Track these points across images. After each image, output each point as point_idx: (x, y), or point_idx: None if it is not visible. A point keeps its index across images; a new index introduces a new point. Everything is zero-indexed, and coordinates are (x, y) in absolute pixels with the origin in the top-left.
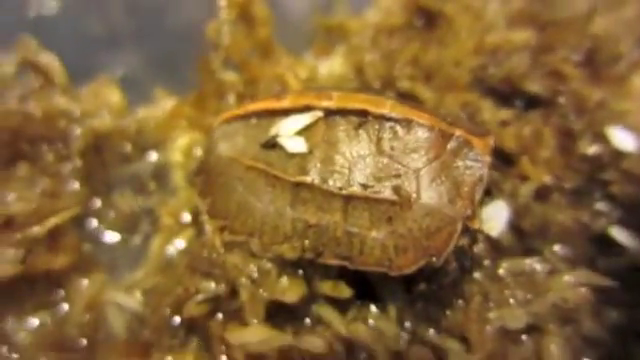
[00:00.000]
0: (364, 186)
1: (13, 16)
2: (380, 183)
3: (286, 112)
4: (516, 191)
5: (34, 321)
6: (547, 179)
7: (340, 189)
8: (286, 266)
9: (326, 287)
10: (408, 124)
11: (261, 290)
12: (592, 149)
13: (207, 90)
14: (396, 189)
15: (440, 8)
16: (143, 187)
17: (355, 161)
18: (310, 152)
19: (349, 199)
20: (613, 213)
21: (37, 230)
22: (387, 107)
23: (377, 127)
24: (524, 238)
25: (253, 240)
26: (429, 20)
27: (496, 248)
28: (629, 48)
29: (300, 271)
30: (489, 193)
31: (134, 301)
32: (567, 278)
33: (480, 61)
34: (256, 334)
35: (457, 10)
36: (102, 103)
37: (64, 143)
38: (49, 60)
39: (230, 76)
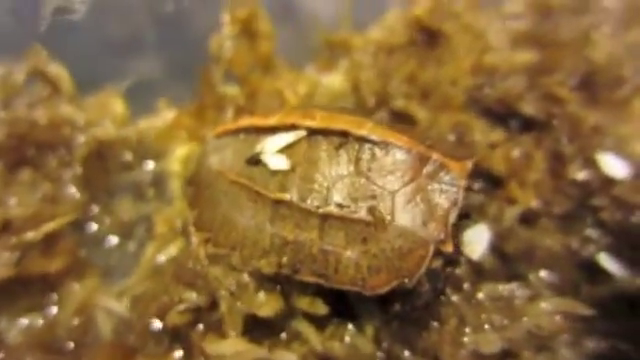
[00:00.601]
0: (340, 206)
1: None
2: (356, 203)
3: (273, 130)
4: (501, 214)
5: (25, 322)
6: (535, 203)
7: (317, 208)
8: (264, 281)
9: (303, 303)
10: (386, 146)
11: (239, 303)
12: (582, 174)
13: (207, 102)
14: (371, 210)
15: (440, 27)
16: (142, 195)
17: (334, 181)
18: (292, 170)
19: (326, 218)
20: (602, 240)
21: (32, 235)
22: (366, 129)
23: (357, 148)
24: (508, 262)
25: (234, 253)
26: (431, 39)
27: (477, 271)
28: (632, 72)
29: (278, 286)
30: (468, 216)
31: (122, 306)
32: (544, 305)
33: (476, 81)
34: (233, 346)
35: (457, 29)
36: (106, 113)
37: (67, 150)
38: (58, 70)
39: (230, 90)
